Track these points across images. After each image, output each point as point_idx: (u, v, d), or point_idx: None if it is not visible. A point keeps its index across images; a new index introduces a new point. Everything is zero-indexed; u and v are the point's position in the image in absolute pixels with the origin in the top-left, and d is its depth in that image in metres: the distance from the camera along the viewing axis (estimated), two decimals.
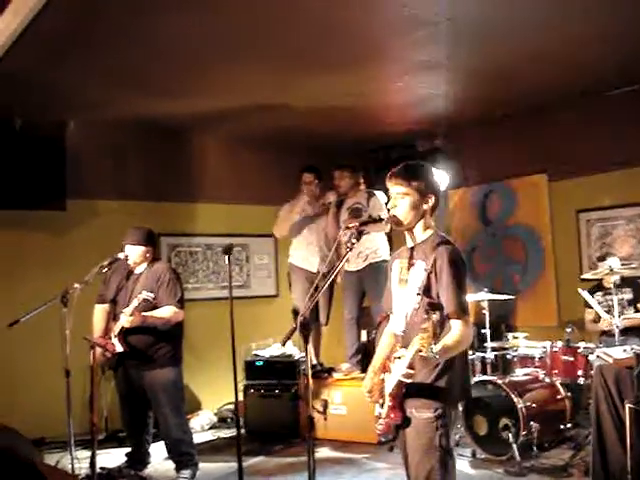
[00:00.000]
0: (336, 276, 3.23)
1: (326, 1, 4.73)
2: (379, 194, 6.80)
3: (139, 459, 5.78)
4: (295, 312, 7.15)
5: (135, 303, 5.14)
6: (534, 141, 7.69)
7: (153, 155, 7.72)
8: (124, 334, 5.28)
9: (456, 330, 2.93)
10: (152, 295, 5.24)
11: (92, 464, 4.68)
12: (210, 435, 7.18)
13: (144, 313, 5.20)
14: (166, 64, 5.80)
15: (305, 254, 7.20)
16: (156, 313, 5.27)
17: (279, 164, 8.40)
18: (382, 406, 3.25)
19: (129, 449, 5.84)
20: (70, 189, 6.98)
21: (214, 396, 7.79)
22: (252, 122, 7.71)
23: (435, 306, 2.92)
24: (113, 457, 5.99)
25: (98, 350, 5.15)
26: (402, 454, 3.29)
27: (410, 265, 3.16)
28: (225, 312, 7.34)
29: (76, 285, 5.15)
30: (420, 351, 2.70)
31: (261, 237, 8.46)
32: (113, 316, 5.51)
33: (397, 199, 3.16)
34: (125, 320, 5.12)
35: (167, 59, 5.68)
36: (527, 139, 7.75)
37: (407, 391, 3.07)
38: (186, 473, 5.44)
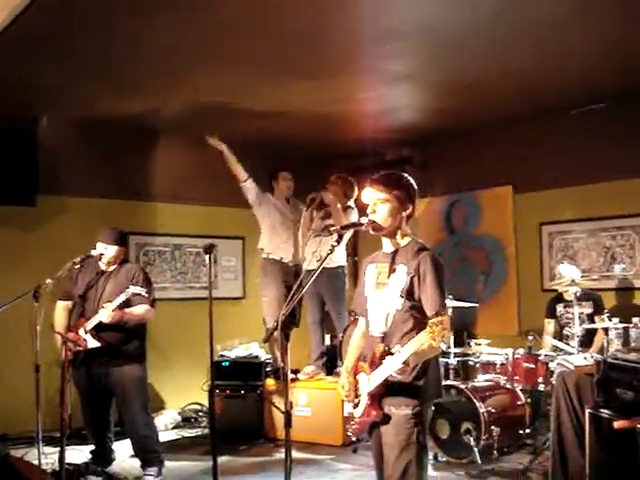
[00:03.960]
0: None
1: (301, 10, 4.80)
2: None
3: (104, 456, 5.80)
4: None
5: (122, 298, 5.15)
6: (500, 154, 7.86)
7: (125, 154, 7.71)
8: (96, 330, 5.30)
9: None
10: (144, 290, 5.28)
11: (61, 460, 4.65)
12: (174, 434, 7.22)
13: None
14: (140, 64, 5.83)
15: (282, 248, 7.20)
16: (134, 310, 5.33)
17: (249, 167, 8.45)
18: (356, 406, 3.36)
19: (93, 447, 5.87)
20: (41, 185, 6.96)
21: (178, 396, 7.83)
22: (224, 125, 7.75)
23: (417, 308, 3.07)
24: (78, 454, 5.98)
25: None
26: (374, 452, 3.39)
27: (392, 270, 3.28)
28: (191, 313, 7.44)
29: (48, 281, 5.16)
30: (434, 340, 2.84)
31: (229, 239, 8.51)
32: (81, 312, 5.52)
33: (377, 204, 3.28)
34: (106, 315, 5.12)
35: (141, 59, 5.71)
36: (494, 152, 7.92)
37: (385, 389, 3.18)
38: (152, 470, 5.46)
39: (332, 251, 3.22)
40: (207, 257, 4.24)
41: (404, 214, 3.31)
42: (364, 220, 3.27)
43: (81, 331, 5.35)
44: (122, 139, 7.70)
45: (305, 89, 6.55)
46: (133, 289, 5.20)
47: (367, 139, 8.46)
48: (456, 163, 8.28)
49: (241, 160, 7.22)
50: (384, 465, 3.26)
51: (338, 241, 3.25)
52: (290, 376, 7.10)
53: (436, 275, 3.15)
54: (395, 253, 3.32)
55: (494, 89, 6.65)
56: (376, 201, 3.29)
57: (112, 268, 5.55)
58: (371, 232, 3.31)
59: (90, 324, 5.28)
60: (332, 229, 3.31)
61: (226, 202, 8.33)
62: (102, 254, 5.45)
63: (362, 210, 3.41)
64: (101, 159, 7.51)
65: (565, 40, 5.40)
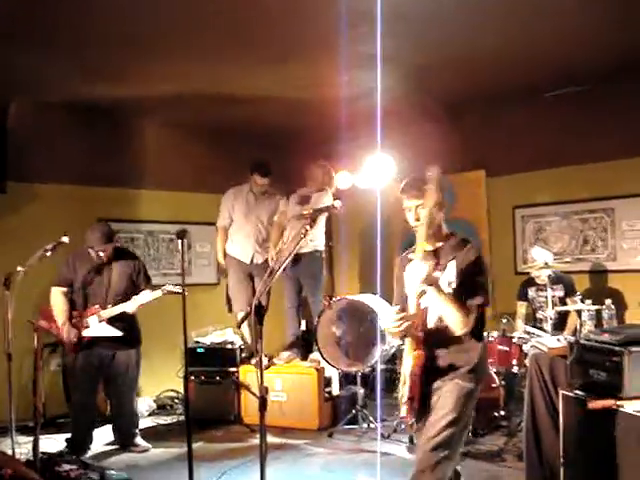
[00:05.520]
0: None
1: None
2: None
3: (80, 444, 5.81)
4: (229, 300, 7.32)
5: (158, 294, 5.79)
6: (473, 137, 7.86)
7: (97, 139, 7.58)
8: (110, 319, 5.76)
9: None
10: (177, 288, 5.71)
11: (35, 448, 4.63)
12: (150, 421, 7.17)
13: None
14: (111, 48, 5.75)
15: (241, 245, 7.26)
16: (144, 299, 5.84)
17: (223, 152, 8.40)
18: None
19: (69, 435, 5.87)
20: (10, 172, 6.85)
21: (153, 383, 7.77)
22: (197, 110, 7.70)
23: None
24: (53, 442, 5.96)
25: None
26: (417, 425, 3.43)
27: (438, 265, 3.34)
28: (165, 299, 7.34)
29: (19, 268, 5.10)
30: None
31: (203, 225, 8.43)
32: (84, 301, 5.82)
33: (418, 211, 3.39)
34: (133, 307, 5.77)
35: (112, 43, 5.63)
36: (466, 135, 7.90)
37: (455, 366, 3.33)
38: (141, 440, 6.00)
39: (305, 234, 3.21)
40: (180, 243, 4.20)
41: (442, 212, 3.42)
42: (337, 203, 3.25)
43: (92, 320, 5.74)
44: (93, 125, 7.57)
45: (277, 74, 6.51)
46: (169, 287, 5.76)
47: (340, 124, 8.41)
48: (429, 147, 8.23)
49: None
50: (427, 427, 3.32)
51: (311, 225, 3.23)
52: (265, 361, 7.19)
53: (476, 267, 3.29)
54: (440, 250, 3.40)
55: (467, 72, 6.65)
56: (414, 208, 3.38)
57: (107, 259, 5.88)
58: (422, 237, 3.34)
59: (108, 313, 5.75)
60: (305, 213, 3.30)
61: (199, 188, 8.28)
62: (102, 254, 5.78)
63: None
64: (72, 145, 7.37)
65: (539, 21, 5.38)
